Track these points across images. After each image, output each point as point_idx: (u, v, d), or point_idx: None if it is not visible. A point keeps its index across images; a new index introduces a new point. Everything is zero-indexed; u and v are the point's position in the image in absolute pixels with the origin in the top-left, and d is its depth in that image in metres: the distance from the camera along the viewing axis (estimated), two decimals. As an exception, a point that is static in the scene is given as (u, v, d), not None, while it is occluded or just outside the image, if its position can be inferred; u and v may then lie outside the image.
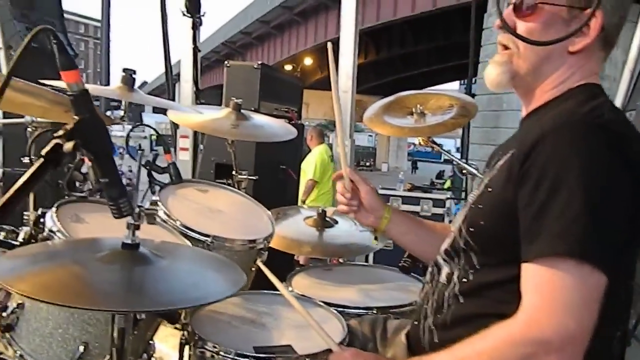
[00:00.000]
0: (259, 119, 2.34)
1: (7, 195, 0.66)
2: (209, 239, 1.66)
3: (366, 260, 4.28)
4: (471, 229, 1.07)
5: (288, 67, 27.12)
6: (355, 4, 5.40)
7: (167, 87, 7.15)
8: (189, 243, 1.62)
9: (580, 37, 1.00)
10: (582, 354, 0.86)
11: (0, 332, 1.33)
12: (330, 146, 6.29)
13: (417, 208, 5.97)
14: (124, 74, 1.68)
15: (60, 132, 0.76)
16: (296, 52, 25.25)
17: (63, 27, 7.76)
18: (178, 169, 1.81)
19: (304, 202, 6.01)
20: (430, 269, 1.27)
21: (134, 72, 1.71)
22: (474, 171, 2.29)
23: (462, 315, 1.08)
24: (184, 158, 4.67)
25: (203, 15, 2.48)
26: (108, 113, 1.80)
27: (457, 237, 1.13)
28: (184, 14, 2.44)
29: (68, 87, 0.79)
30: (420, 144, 2.34)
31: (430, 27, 20.87)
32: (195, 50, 2.52)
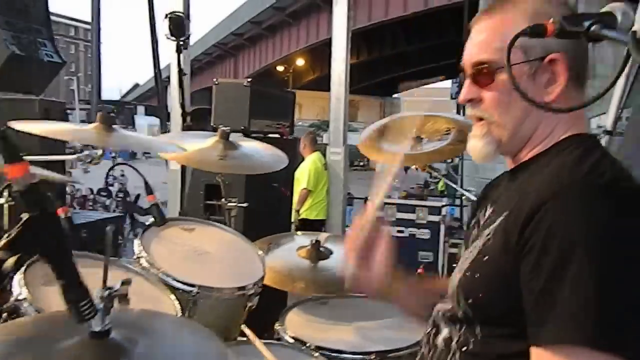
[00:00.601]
0: (249, 147, 2.23)
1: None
2: (195, 289, 1.56)
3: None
4: (469, 301, 0.98)
5: (280, 68, 27.03)
6: (346, 5, 5.34)
7: (158, 93, 7.01)
8: (172, 296, 1.52)
9: (551, 86, 0.94)
10: None
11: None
12: (324, 152, 6.19)
13: (412, 216, 5.90)
14: (101, 112, 1.57)
15: (2, 242, 0.65)
16: (288, 53, 25.15)
17: (50, 34, 7.61)
18: (161, 210, 1.70)
19: (297, 211, 5.91)
20: (427, 329, 1.18)
21: (113, 110, 1.59)
22: (473, 198, 2.21)
23: None
24: (174, 167, 4.54)
25: (187, 39, 2.36)
26: (87, 152, 1.68)
27: (454, 305, 1.04)
28: (167, 37, 2.33)
29: (14, 184, 0.68)
30: (416, 169, 2.25)
31: (422, 27, 20.85)
32: (180, 74, 2.41)
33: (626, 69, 0.81)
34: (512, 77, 0.85)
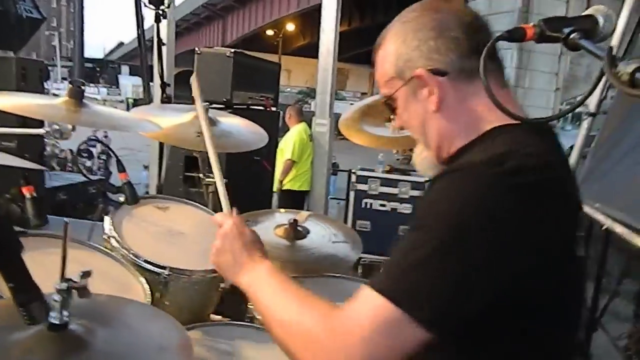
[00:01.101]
0: (229, 123, 2.18)
1: None
2: (165, 272, 1.54)
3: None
4: None
5: (270, 33, 26.48)
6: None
7: (140, 55, 6.84)
8: (141, 278, 1.50)
9: (431, 97, 0.99)
10: None
11: None
12: (310, 122, 6.12)
13: (395, 190, 5.91)
14: (70, 86, 1.50)
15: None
16: (278, 17, 24.57)
17: (29, -12, 7.33)
18: (134, 188, 1.66)
19: (281, 182, 5.89)
20: None
21: (83, 83, 1.53)
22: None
23: None
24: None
25: (168, 7, 2.27)
26: (56, 126, 1.62)
27: None
28: (145, 5, 2.23)
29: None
30: (397, 152, 2.22)
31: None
32: (159, 43, 2.32)
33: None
34: (488, 89, 0.83)
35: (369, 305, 0.82)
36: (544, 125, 0.98)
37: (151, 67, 5.05)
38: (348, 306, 0.85)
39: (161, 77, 2.46)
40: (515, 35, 0.81)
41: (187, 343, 1.02)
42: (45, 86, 6.16)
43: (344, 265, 2.57)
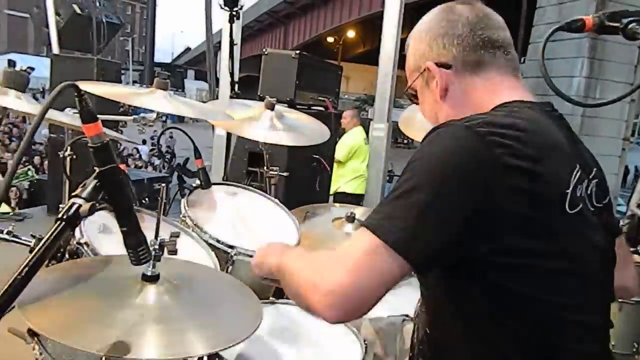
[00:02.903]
0: (293, 119, 2.31)
1: (27, 260, 0.67)
2: (233, 251, 1.67)
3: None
4: None
5: (330, 39, 26.74)
6: (403, -24, 5.22)
7: (208, 59, 7.15)
8: (212, 254, 1.64)
9: (439, 86, 1.12)
10: (345, 307, 0.91)
11: (28, 334, 1.39)
12: (367, 128, 6.19)
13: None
14: (157, 78, 1.67)
15: (79, 191, 0.76)
16: (339, 24, 24.78)
17: (109, -5, 7.83)
18: (207, 174, 1.81)
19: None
20: None
21: (168, 75, 1.69)
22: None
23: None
24: (220, 133, 4.69)
25: (240, 9, 2.43)
26: (143, 114, 1.80)
27: None
28: (221, 7, 2.41)
29: (89, 140, 0.78)
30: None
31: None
32: (231, 43, 2.49)
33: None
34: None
35: (355, 239, 0.94)
36: (552, 109, 1.10)
37: (216, 72, 5.29)
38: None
39: (231, 75, 2.63)
40: (573, 26, 0.86)
41: (259, 308, 1.13)
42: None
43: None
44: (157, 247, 1.02)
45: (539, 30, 9.46)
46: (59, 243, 0.71)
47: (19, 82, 1.11)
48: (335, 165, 5.88)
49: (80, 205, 0.73)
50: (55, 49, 6.02)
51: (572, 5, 9.22)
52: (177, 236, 1.04)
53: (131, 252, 0.85)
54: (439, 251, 0.93)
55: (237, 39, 2.79)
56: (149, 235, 1.04)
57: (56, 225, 0.72)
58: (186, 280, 1.12)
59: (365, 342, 1.56)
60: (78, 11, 6.80)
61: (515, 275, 0.94)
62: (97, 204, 0.74)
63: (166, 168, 11.49)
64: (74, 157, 1.88)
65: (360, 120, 6.40)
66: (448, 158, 0.93)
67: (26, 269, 0.66)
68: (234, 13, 2.39)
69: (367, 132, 5.96)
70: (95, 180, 0.77)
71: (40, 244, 0.69)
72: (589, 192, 1.03)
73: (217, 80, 5.21)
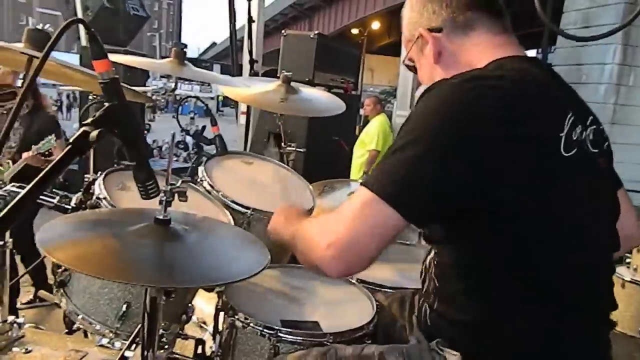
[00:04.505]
0: (309, 92, 2.34)
1: (36, 179, 0.71)
2: (249, 212, 1.72)
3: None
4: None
5: (355, 31, 26.60)
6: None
7: (231, 51, 7.24)
8: (229, 214, 1.69)
9: (431, 51, 1.15)
10: (345, 259, 0.96)
11: (55, 287, 1.47)
12: (390, 115, 6.18)
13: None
14: (175, 48, 1.72)
15: (89, 120, 0.80)
16: (364, 16, 24.63)
17: (136, -11, 8.01)
18: (224, 141, 1.86)
19: (366, 173, 5.98)
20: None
21: (185, 46, 1.75)
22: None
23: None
24: (242, 122, 4.79)
25: (258, -15, 2.46)
26: (161, 84, 1.86)
27: None
28: (239, -17, 2.45)
29: (99, 76, 0.83)
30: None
31: (507, -9, 19.61)
32: (250, 20, 2.52)
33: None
34: None
35: (353, 196, 0.99)
36: (542, 62, 1.13)
37: (241, 66, 5.37)
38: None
39: (250, 53, 2.67)
40: None
41: (265, 253, 1.17)
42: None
43: (411, 231, 2.66)
44: (168, 191, 1.07)
45: (569, 17, 9.18)
46: (67, 166, 0.76)
47: (41, 40, 1.17)
48: (374, 154, 5.90)
49: (88, 132, 0.78)
50: (84, 41, 6.20)
51: (605, -9, 8.96)
52: (188, 182, 1.08)
53: (140, 186, 0.90)
54: (433, 204, 0.95)
55: (255, 16, 2.83)
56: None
57: (66, 149, 0.76)
58: (198, 227, 1.17)
59: (378, 304, 1.58)
60: (106, 4, 6.98)
61: (515, 221, 0.95)
62: (106, 132, 0.78)
63: (191, 160, 11.69)
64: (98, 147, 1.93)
65: (382, 107, 6.39)
66: (438, 113, 0.95)
67: (35, 186, 0.71)
68: (252, -11, 2.42)
69: (391, 123, 5.94)
70: (105, 112, 0.82)
71: (50, 165, 0.74)
72: (584, 137, 1.04)
73: (241, 68, 5.29)
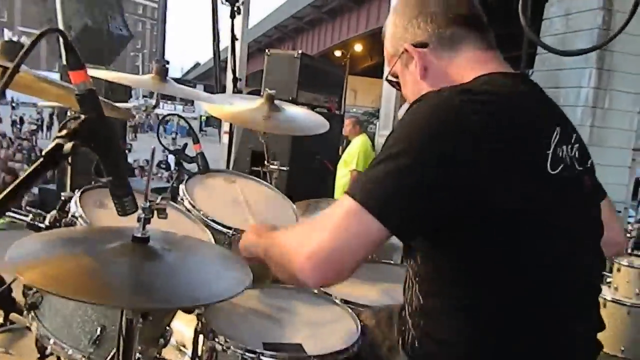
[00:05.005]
0: (292, 111, 2.33)
1: (7, 190, 0.68)
2: (230, 232, 1.68)
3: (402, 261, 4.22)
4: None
5: (338, 53, 26.94)
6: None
7: (215, 71, 7.26)
8: (210, 234, 1.65)
9: (418, 66, 1.14)
10: (326, 269, 0.94)
11: (25, 310, 1.40)
12: (372, 135, 6.21)
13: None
14: (157, 64, 1.70)
15: (63, 132, 0.77)
16: (347, 38, 24.99)
17: (120, 9, 8.04)
18: (206, 159, 1.83)
19: None
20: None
21: (167, 62, 1.73)
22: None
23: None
24: (225, 141, 4.75)
25: (241, 4, 2.48)
26: (142, 101, 1.83)
27: None
28: (222, 2, 2.46)
29: (75, 87, 0.80)
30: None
31: (486, 16, 20.12)
32: (233, 39, 2.53)
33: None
34: None
35: (335, 205, 0.98)
36: (527, 77, 1.14)
37: (224, 86, 5.39)
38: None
39: (233, 71, 2.66)
40: None
41: (248, 274, 1.13)
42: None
43: (396, 251, 2.64)
44: (146, 208, 1.03)
45: (547, 42, 9.43)
46: (39, 180, 0.72)
47: (17, 52, 1.14)
48: (356, 174, 5.90)
49: (62, 145, 0.75)
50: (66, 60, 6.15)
51: (579, 16, 9.22)
52: (168, 199, 1.05)
53: (117, 201, 0.87)
54: (417, 216, 0.94)
55: (239, 34, 2.83)
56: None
57: (38, 161, 0.73)
58: (178, 245, 1.13)
59: (363, 324, 1.55)
60: (89, 24, 6.95)
61: (499, 237, 0.94)
62: (80, 145, 0.75)
63: (173, 179, 11.59)
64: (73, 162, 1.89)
65: (362, 128, 6.43)
66: (424, 126, 0.95)
67: (3, 197, 0.67)
68: (235, 9, 2.43)
69: (373, 143, 5.97)
70: (80, 125, 0.79)
71: (22, 176, 0.71)
72: (570, 154, 1.04)
73: (224, 87, 5.29)
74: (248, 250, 1.29)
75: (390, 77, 1.24)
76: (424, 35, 1.13)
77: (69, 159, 0.77)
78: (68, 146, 0.75)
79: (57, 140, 0.75)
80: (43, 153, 0.74)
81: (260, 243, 1.20)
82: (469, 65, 1.11)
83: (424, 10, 1.13)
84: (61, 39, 0.77)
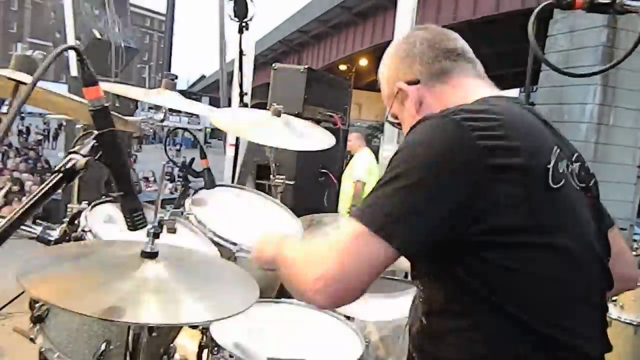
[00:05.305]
0: (299, 125, 2.34)
1: (24, 205, 0.69)
2: (236, 247, 1.69)
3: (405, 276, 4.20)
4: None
5: (343, 67, 27.11)
6: (413, 6, 5.30)
7: (221, 84, 7.29)
8: (216, 249, 1.65)
9: (412, 102, 1.17)
10: (334, 292, 0.95)
11: (31, 322, 1.41)
12: (376, 149, 6.22)
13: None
14: (165, 79, 1.73)
15: (77, 148, 0.79)
16: (352, 53, 25.15)
17: (127, 22, 8.14)
18: (212, 175, 1.84)
19: (354, 206, 5.96)
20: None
21: (176, 77, 1.75)
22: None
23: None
24: (230, 154, 4.77)
25: (250, 20, 2.51)
26: (150, 114, 1.85)
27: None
28: (231, 18, 2.49)
29: (89, 103, 0.82)
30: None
31: (491, 32, 20.23)
32: (241, 54, 2.56)
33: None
34: None
35: (343, 228, 0.99)
36: (522, 102, 1.16)
37: (229, 99, 5.41)
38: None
39: (240, 85, 2.69)
40: (562, 4, 0.89)
41: (254, 289, 1.14)
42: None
43: (399, 268, 2.63)
44: (156, 225, 1.04)
45: (551, 58, 9.45)
46: (52, 195, 0.74)
47: (29, 66, 1.16)
48: (360, 185, 5.91)
49: (77, 160, 0.76)
50: (74, 72, 6.22)
51: (583, 33, 9.25)
52: (177, 215, 1.06)
53: (127, 216, 0.88)
54: (423, 236, 0.95)
55: (246, 49, 2.87)
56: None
57: (53, 176, 0.74)
58: (186, 260, 1.14)
59: (367, 342, 1.55)
60: (98, 36, 7.04)
61: (504, 253, 0.95)
62: (93, 162, 0.77)
63: (177, 192, 11.62)
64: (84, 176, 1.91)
65: (366, 142, 6.45)
66: (427, 145, 0.96)
67: (19, 213, 0.68)
68: (244, 24, 2.46)
69: (377, 158, 5.98)
70: (94, 140, 0.81)
71: (36, 191, 0.72)
72: (570, 170, 1.05)
73: (230, 101, 5.32)
74: (260, 259, 1.30)
75: (390, 119, 1.28)
76: (415, 73, 1.17)
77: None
78: (82, 162, 0.76)
79: (71, 156, 0.77)
80: (58, 168, 0.75)
81: (273, 255, 1.20)
82: (463, 90, 1.14)
83: (411, 51, 1.18)
84: (75, 56, 0.78)
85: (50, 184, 0.74)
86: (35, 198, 0.71)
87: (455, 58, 1.17)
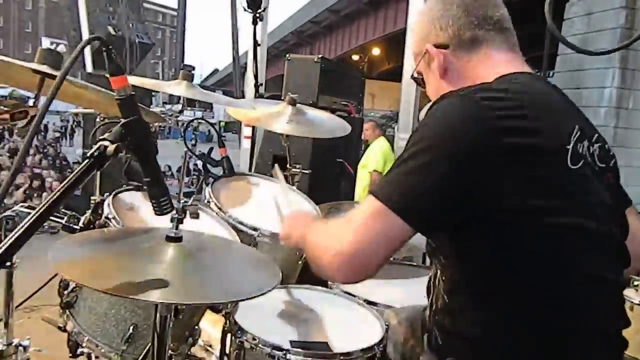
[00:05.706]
0: (314, 114, 2.36)
1: (57, 192, 0.72)
2: (256, 233, 1.71)
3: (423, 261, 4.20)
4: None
5: (355, 57, 26.97)
6: (424, -6, 5.27)
7: (234, 77, 7.29)
8: (236, 235, 1.68)
9: (438, 66, 1.17)
10: (352, 267, 0.98)
11: (61, 308, 1.46)
12: (391, 139, 6.20)
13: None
14: (183, 70, 1.75)
15: (107, 135, 0.81)
16: (364, 42, 24.99)
17: (141, 18, 8.22)
18: (231, 163, 1.87)
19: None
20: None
21: (193, 68, 1.77)
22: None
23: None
24: (246, 146, 4.80)
25: (263, 11, 2.52)
26: (167, 107, 1.88)
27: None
28: (245, 9, 2.50)
29: (116, 92, 0.84)
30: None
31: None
32: (255, 44, 2.57)
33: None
34: None
35: (361, 205, 1.01)
36: (547, 80, 1.16)
37: (243, 92, 5.44)
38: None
39: (255, 76, 2.71)
40: None
41: (276, 272, 1.16)
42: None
43: (416, 252, 2.65)
44: (179, 209, 1.07)
45: (567, 41, 9.26)
46: (84, 181, 0.76)
47: (54, 59, 1.19)
48: (376, 175, 5.91)
49: (106, 147, 0.79)
50: (90, 68, 6.31)
51: (601, 15, 9.05)
52: (199, 200, 1.09)
53: (154, 202, 0.90)
54: (439, 213, 0.96)
55: (261, 40, 2.88)
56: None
57: (85, 162, 0.77)
58: (208, 245, 1.17)
59: (387, 325, 1.56)
60: (112, 32, 7.12)
61: (522, 233, 0.95)
62: (123, 148, 0.79)
63: (193, 185, 11.75)
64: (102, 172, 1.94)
65: (382, 131, 6.43)
66: (445, 124, 0.97)
67: (53, 198, 0.71)
68: (257, 15, 2.47)
69: (392, 147, 5.96)
70: (121, 128, 0.83)
71: (69, 178, 0.74)
72: (591, 151, 1.05)
73: (243, 94, 5.34)
74: (289, 240, 1.33)
75: (415, 75, 1.27)
76: (445, 37, 1.16)
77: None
78: (111, 148, 0.79)
79: (101, 142, 0.79)
80: (89, 154, 0.78)
81: (301, 236, 1.24)
82: (488, 65, 1.13)
83: (446, 12, 1.16)
84: (102, 47, 0.81)
85: (82, 170, 0.76)
86: (67, 185, 0.73)
87: (489, 27, 1.15)
